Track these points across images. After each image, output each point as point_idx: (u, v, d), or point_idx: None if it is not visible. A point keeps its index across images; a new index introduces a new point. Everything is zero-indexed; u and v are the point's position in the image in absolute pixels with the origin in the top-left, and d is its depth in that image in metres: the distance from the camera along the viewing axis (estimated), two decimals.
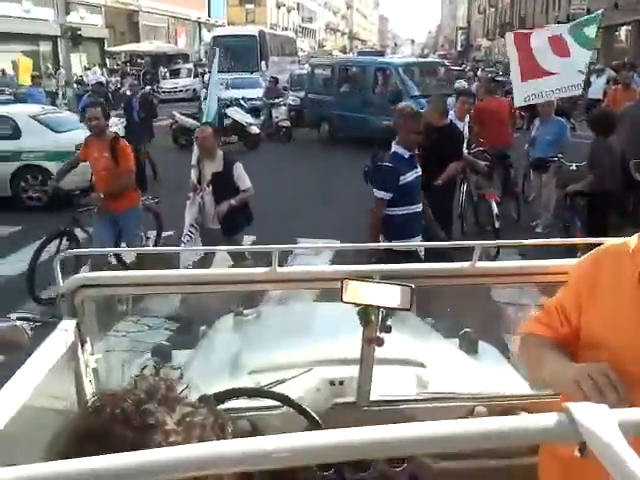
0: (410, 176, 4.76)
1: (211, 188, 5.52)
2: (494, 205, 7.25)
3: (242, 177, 5.53)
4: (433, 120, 6.52)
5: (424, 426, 0.55)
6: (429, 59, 29.50)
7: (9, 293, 6.30)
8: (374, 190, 4.76)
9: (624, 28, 30.49)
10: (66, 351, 1.57)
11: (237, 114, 15.14)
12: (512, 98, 8.36)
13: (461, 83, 16.30)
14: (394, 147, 4.84)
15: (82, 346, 1.68)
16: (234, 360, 2.41)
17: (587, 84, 13.20)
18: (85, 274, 1.65)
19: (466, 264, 1.73)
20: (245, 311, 3.05)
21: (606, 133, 5.93)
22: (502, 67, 35.57)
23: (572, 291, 1.51)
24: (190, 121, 14.27)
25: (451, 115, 7.33)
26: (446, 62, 22.21)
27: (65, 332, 1.57)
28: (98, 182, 6.19)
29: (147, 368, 2.07)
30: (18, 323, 1.66)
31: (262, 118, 16.55)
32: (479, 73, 23.65)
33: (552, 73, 7.60)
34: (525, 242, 1.73)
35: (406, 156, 4.77)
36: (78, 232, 6.54)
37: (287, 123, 16.58)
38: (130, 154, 6.10)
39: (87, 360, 1.71)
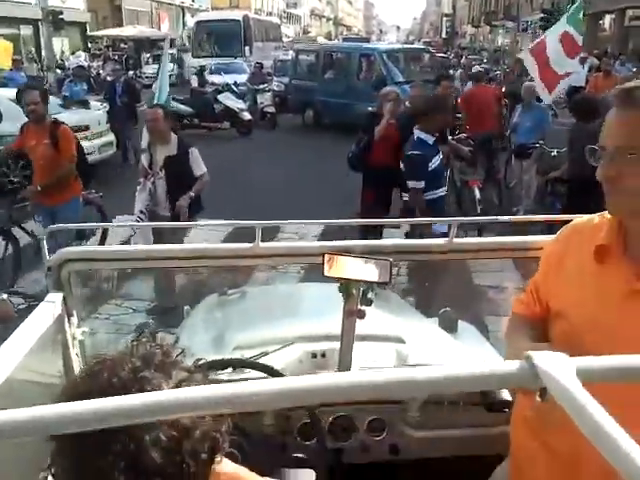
0: (436, 161, 4.84)
1: (164, 173, 5.25)
2: (476, 191, 7.42)
3: (197, 162, 5.29)
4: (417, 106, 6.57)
5: (391, 372, 0.57)
6: (414, 46, 29.50)
7: None
8: (409, 182, 4.79)
9: (608, 16, 30.64)
10: (52, 323, 1.60)
11: (229, 100, 14.96)
12: (497, 86, 8.56)
13: (476, 68, 16.08)
14: (417, 133, 4.88)
15: (69, 319, 1.71)
16: (219, 337, 2.45)
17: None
18: (70, 248, 1.69)
19: (443, 240, 1.79)
20: (229, 291, 3.09)
21: (587, 119, 6.00)
22: (487, 54, 35.63)
23: (542, 269, 1.56)
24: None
25: None
26: (431, 49, 22.15)
27: (52, 304, 1.61)
28: (36, 173, 5.69)
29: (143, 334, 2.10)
30: (5, 296, 1.70)
31: (247, 104, 16.37)
32: (463, 60, 23.68)
33: (569, 74, 7.90)
34: (500, 218, 1.78)
35: (430, 142, 4.84)
36: (16, 231, 6.09)
37: (272, 109, 16.47)
38: (72, 140, 5.67)
39: (74, 333, 1.74)
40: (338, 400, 0.60)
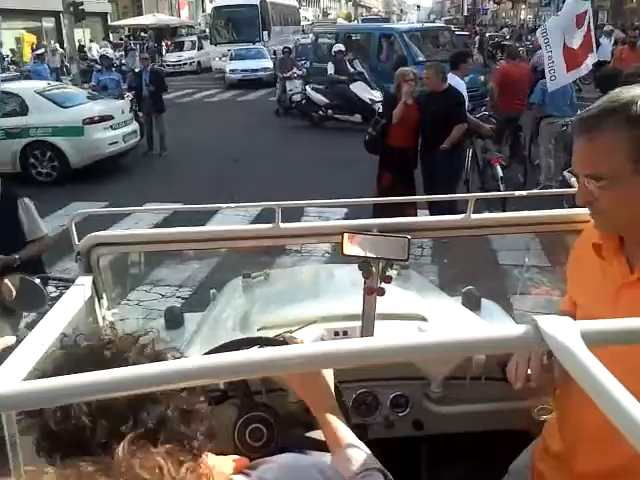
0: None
1: None
2: (499, 169, 7.33)
3: (33, 219, 3.58)
4: (433, 85, 6.53)
5: (402, 337, 0.59)
6: (434, 24, 29.06)
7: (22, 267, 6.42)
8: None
9: None
10: (83, 306, 1.66)
11: (362, 90, 13.14)
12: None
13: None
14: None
15: (99, 301, 1.77)
16: (243, 319, 2.50)
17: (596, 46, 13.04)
18: (99, 232, 1.74)
19: (461, 216, 1.80)
20: (253, 274, 3.13)
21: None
22: (509, 31, 34.98)
23: (569, 265, 1.60)
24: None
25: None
26: (452, 27, 21.84)
27: (82, 287, 1.66)
28: None
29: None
30: (37, 281, 1.76)
31: (277, 93, 15.77)
32: (476, 39, 23.20)
33: (589, 54, 7.63)
34: (517, 193, 1.79)
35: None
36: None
37: (300, 97, 15.09)
38: None
39: (104, 315, 1.80)
40: (357, 364, 0.63)
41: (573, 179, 1.35)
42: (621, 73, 6.79)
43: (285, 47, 17.54)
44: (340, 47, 14.52)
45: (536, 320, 0.60)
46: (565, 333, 0.58)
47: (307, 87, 14.41)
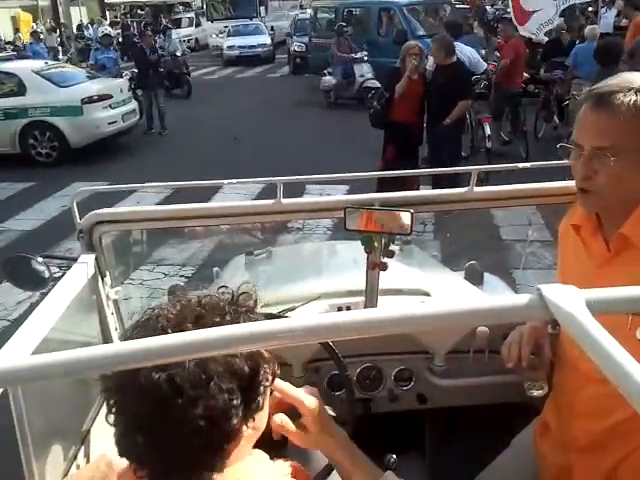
0: None
1: None
2: (487, 127, 7.93)
3: None
4: (439, 59, 6.48)
5: (406, 308, 0.59)
6: None
7: (24, 249, 6.44)
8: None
9: None
10: (86, 284, 1.66)
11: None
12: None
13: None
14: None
15: (102, 279, 1.77)
16: None
17: (597, 18, 12.86)
18: (100, 210, 1.73)
19: (464, 189, 1.80)
20: (256, 251, 3.14)
21: (609, 64, 5.83)
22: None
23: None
24: None
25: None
26: (452, 1, 21.53)
27: (85, 265, 1.66)
28: None
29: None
30: (40, 260, 1.76)
31: (327, 79, 13.29)
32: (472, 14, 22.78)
33: (535, 11, 8.18)
34: (520, 165, 1.78)
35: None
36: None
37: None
38: None
39: (108, 293, 1.80)
40: (360, 335, 0.63)
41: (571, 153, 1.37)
42: (619, 45, 6.69)
43: (340, 24, 14.21)
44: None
45: (540, 289, 0.60)
46: (570, 301, 0.58)
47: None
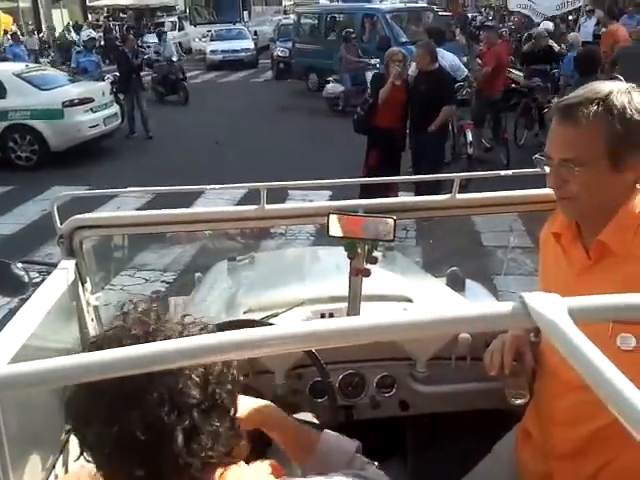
0: None
1: None
2: (469, 134, 7.99)
3: None
4: (423, 65, 6.52)
5: (387, 315, 0.59)
6: (417, 5, 28.87)
7: (3, 254, 6.35)
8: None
9: None
10: (66, 290, 1.64)
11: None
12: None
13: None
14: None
15: (82, 285, 1.75)
16: (229, 302, 2.49)
17: (577, 26, 13.06)
18: (81, 215, 1.71)
19: (446, 196, 1.81)
20: (238, 257, 3.12)
21: (588, 73, 5.89)
22: (492, 12, 34.81)
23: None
24: None
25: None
26: (435, 8, 21.67)
27: (65, 271, 1.64)
28: None
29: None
30: (20, 265, 1.73)
31: (331, 87, 12.84)
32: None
33: None
34: (502, 172, 1.79)
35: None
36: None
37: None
38: None
39: (88, 299, 1.78)
40: (341, 344, 0.62)
41: (545, 164, 1.39)
42: (598, 54, 6.78)
43: (347, 30, 13.73)
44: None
45: (523, 297, 0.60)
46: (552, 309, 0.58)
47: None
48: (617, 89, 1.29)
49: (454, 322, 0.61)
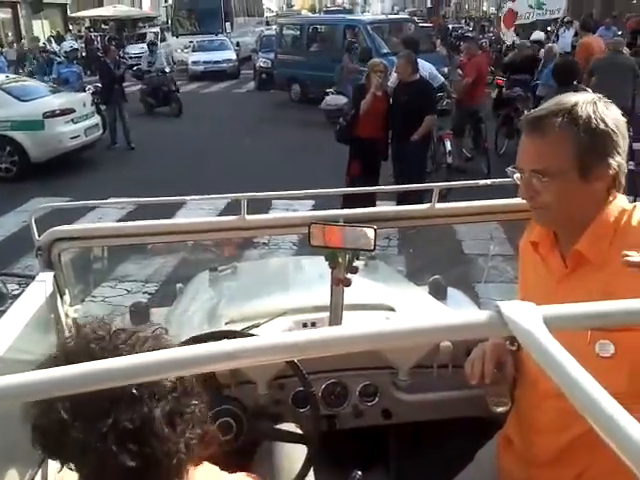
0: None
1: None
2: (448, 143, 8.10)
3: None
4: (404, 75, 6.57)
5: (372, 325, 0.59)
6: (398, 16, 29.16)
7: None
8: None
9: None
10: (44, 303, 1.62)
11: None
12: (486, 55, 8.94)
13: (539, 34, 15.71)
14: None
15: (61, 298, 1.74)
16: (211, 312, 2.48)
17: (556, 37, 13.25)
18: (59, 227, 1.70)
19: (426, 206, 1.82)
20: (220, 267, 3.11)
21: (566, 83, 5.96)
22: (472, 23, 35.26)
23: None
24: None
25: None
26: (416, 19, 21.91)
27: (43, 283, 1.63)
28: None
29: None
30: None
31: (329, 101, 12.38)
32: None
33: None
34: (481, 182, 1.81)
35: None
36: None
37: None
38: None
39: (67, 311, 1.77)
40: (322, 354, 0.62)
41: (516, 175, 1.40)
42: (576, 65, 6.87)
43: (350, 40, 13.48)
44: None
45: (499, 305, 0.60)
46: (527, 318, 0.58)
47: None
48: (583, 100, 1.31)
49: (432, 331, 0.62)
